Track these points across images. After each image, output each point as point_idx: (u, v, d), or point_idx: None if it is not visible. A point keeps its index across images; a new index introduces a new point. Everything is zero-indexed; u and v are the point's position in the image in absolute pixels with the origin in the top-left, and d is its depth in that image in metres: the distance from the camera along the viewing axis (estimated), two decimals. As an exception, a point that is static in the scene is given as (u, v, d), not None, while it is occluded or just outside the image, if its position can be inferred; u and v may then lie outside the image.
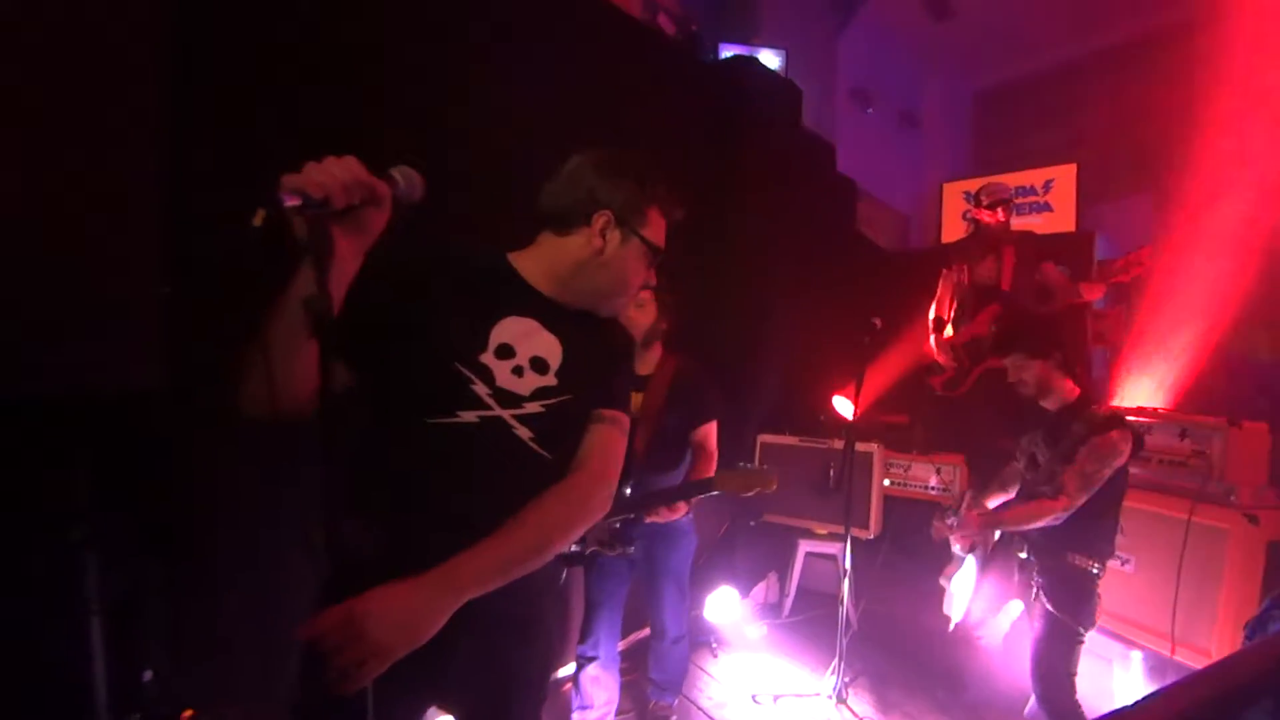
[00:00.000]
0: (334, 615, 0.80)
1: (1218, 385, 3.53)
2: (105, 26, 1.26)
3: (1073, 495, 2.01)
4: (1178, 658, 2.35)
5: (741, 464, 2.08)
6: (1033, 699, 2.24)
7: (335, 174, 0.79)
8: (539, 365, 1.09)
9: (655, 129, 3.08)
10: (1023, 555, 2.20)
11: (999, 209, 3.64)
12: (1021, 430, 2.39)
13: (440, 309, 1.04)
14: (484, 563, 0.94)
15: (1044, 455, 2.23)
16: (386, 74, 1.97)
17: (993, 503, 2.43)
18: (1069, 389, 2.20)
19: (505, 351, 1.06)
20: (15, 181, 1.16)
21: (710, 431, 2.31)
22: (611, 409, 1.15)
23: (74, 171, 1.21)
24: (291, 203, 0.74)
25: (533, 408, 1.07)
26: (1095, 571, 2.08)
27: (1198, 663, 2.30)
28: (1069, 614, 2.05)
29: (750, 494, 2.02)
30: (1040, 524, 2.07)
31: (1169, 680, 2.48)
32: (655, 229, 1.16)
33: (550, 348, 1.11)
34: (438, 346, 1.03)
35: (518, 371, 1.07)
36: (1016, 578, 2.22)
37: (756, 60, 3.87)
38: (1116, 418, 2.11)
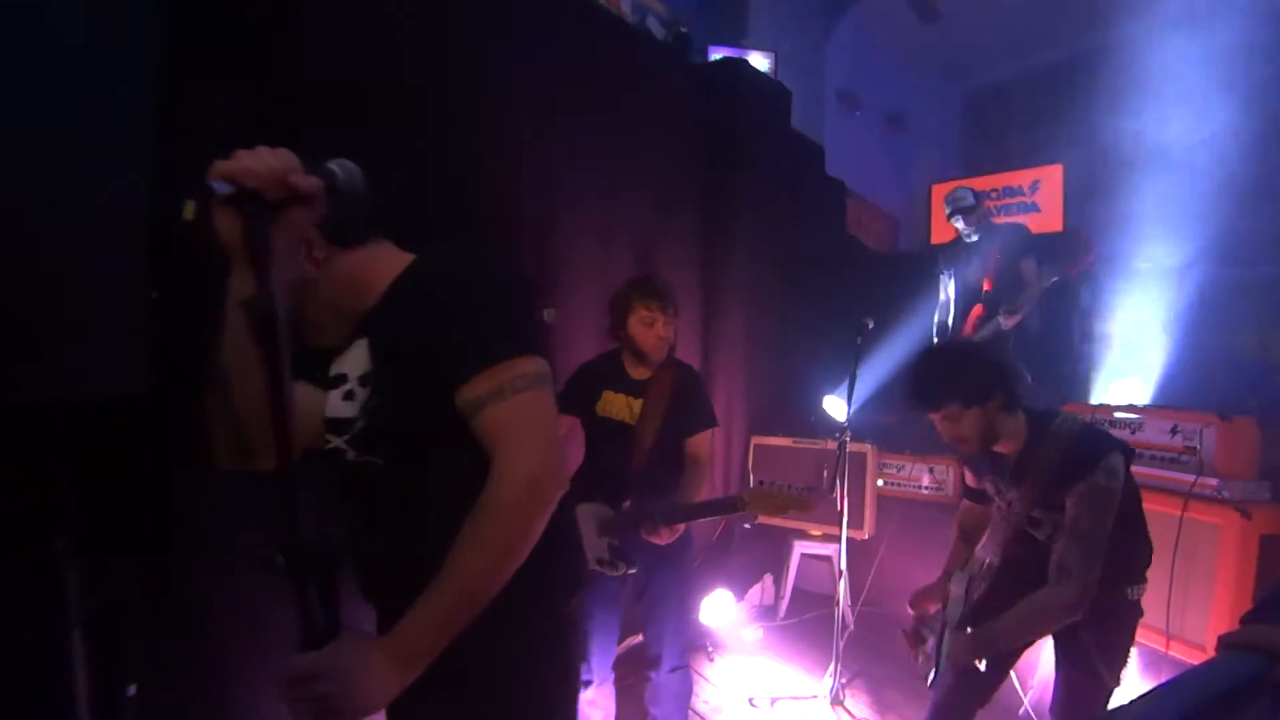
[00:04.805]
0: (300, 668, 0.77)
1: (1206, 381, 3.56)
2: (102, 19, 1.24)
3: (1085, 573, 1.52)
4: (1173, 654, 2.35)
5: (765, 482, 1.95)
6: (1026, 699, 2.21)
7: (269, 163, 0.74)
8: (365, 379, 0.97)
9: (643, 131, 3.08)
10: None
11: (958, 218, 3.74)
12: None
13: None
14: (425, 629, 0.83)
15: (1011, 500, 1.74)
16: (368, 74, 1.96)
17: (981, 551, 1.88)
18: (1019, 425, 1.68)
19: (337, 380, 1.00)
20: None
21: (705, 440, 2.17)
22: (481, 373, 0.88)
23: (58, 173, 1.19)
24: (223, 190, 0.71)
25: (360, 424, 0.97)
26: (1140, 598, 1.72)
27: (1194, 659, 2.30)
28: (1115, 671, 1.68)
29: (782, 516, 1.90)
30: (1056, 626, 1.63)
31: (1165, 677, 2.48)
32: None
33: (364, 356, 0.97)
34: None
35: (349, 396, 0.98)
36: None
37: (746, 62, 3.87)
38: (1091, 433, 1.65)
